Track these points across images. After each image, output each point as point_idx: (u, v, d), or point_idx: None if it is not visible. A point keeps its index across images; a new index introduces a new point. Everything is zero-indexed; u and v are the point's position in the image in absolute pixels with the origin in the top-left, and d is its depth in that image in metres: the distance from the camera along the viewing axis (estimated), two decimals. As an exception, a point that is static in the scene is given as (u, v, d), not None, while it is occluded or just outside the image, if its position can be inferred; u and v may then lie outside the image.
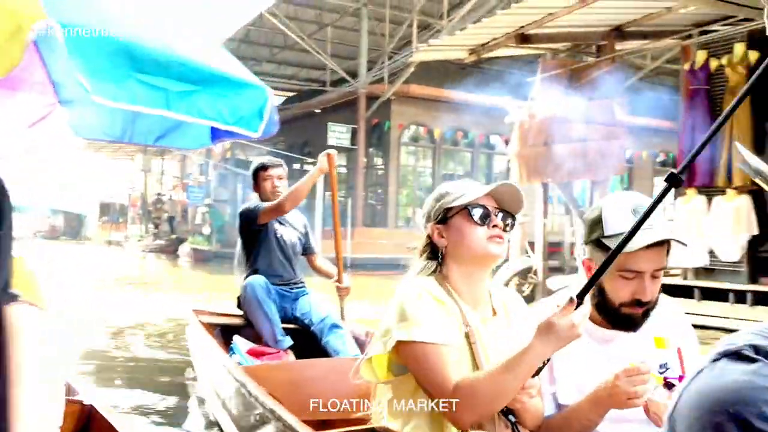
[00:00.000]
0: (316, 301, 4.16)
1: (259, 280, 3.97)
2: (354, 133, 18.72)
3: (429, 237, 1.78)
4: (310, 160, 22.22)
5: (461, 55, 8.97)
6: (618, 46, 8.44)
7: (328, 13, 20.30)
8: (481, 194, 1.70)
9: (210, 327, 4.10)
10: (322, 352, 3.82)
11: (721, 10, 7.23)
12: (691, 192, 8.41)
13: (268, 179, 4.11)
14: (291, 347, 3.93)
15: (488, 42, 8.34)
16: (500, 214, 1.73)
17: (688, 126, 8.42)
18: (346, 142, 18.70)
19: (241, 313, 4.20)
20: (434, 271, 1.73)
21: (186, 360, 5.10)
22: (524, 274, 9.03)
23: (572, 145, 8.90)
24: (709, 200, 8.24)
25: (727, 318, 7.40)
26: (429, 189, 21.01)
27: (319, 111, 20.86)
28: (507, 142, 21.85)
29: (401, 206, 20.90)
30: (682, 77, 8.83)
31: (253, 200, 4.34)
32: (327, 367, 3.24)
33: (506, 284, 9.06)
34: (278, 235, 4.16)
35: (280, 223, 4.20)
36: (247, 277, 4.12)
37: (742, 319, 7.22)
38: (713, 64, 8.24)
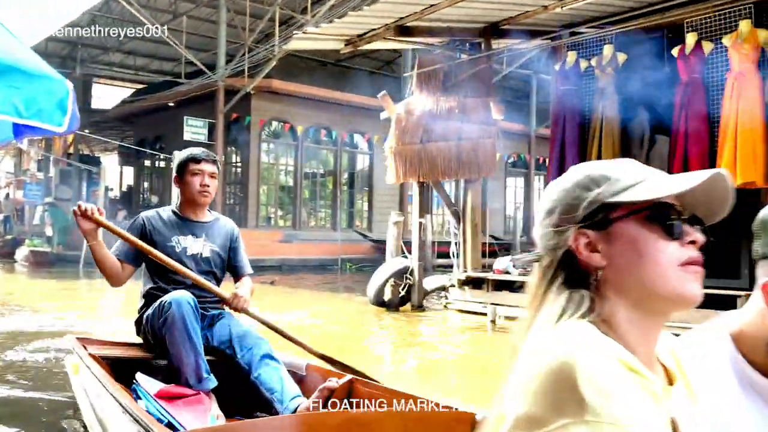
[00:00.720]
0: (239, 325, 3.21)
1: (185, 296, 3.01)
2: (212, 128, 17.75)
3: (566, 250, 0.97)
4: (162, 155, 20.90)
5: (337, 46, 8.55)
6: (494, 44, 8.37)
7: (183, 2, 19.16)
8: (681, 188, 0.92)
9: (102, 361, 3.11)
10: (251, 391, 2.98)
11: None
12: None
13: (197, 175, 3.26)
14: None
15: (366, 33, 7.98)
16: (695, 225, 0.98)
17: (558, 125, 8.50)
18: (203, 138, 17.67)
19: (140, 341, 3.32)
20: (588, 311, 0.92)
21: (67, 402, 3.94)
22: (401, 275, 8.77)
23: (447, 143, 8.75)
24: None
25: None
26: (290, 188, 20.45)
27: (174, 104, 19.65)
28: (369, 142, 21.89)
29: (262, 205, 20.15)
30: (553, 78, 8.94)
31: (164, 207, 3.50)
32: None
33: (383, 286, 8.76)
34: (179, 250, 3.27)
35: (183, 234, 3.32)
36: (151, 291, 3.24)
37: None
38: (583, 64, 8.37)
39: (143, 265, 3.29)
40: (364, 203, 22.14)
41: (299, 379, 3.12)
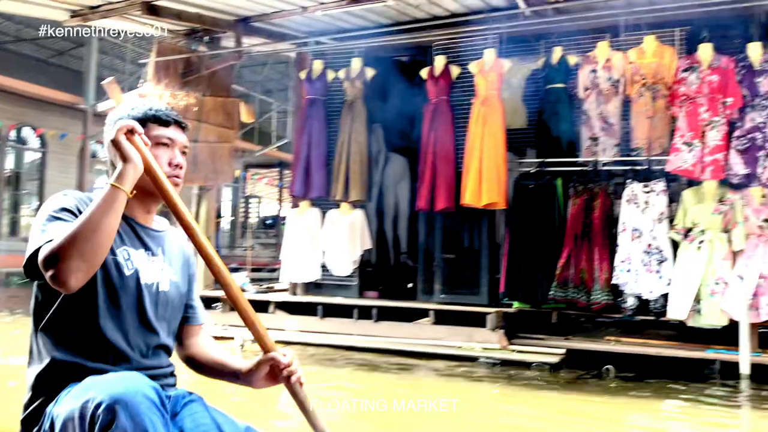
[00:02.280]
0: (221, 413, 1.84)
1: (142, 387, 1.51)
2: None
3: None
4: None
5: (60, 16, 6.99)
6: (245, 41, 7.67)
7: None
8: None
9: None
10: None
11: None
12: (304, 204, 8.13)
13: (165, 147, 1.84)
14: None
15: (102, 5, 6.64)
16: None
17: (304, 135, 8.12)
18: None
19: None
20: None
21: None
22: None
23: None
24: (324, 214, 8.07)
25: (351, 335, 7.26)
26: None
27: None
28: (41, 136, 19.02)
29: None
30: (296, 85, 8.54)
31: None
32: None
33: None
34: (128, 273, 1.77)
35: (133, 245, 1.82)
36: (55, 367, 1.69)
37: (367, 335, 7.16)
38: (330, 75, 8.13)
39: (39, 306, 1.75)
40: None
41: None
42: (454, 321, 7.00)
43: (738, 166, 6.20)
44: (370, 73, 7.96)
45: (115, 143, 1.65)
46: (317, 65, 8.15)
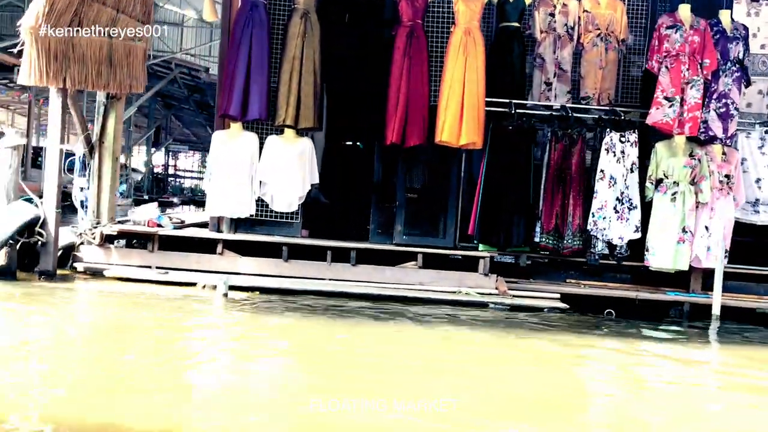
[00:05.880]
0: None
1: None
2: None
3: None
4: None
5: None
6: None
7: None
8: None
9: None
10: None
11: None
12: (236, 127, 6.91)
13: None
14: None
15: None
16: None
17: (241, 46, 6.82)
18: None
19: None
20: None
21: None
22: (30, 228, 5.67)
23: (100, 38, 6.15)
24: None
25: (323, 279, 6.47)
26: None
27: None
28: None
29: None
30: None
31: None
32: None
33: (1, 247, 5.58)
34: None
35: None
36: None
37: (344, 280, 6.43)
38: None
39: None
40: None
41: None
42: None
43: (716, 128, 6.67)
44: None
45: None
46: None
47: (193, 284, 6.08)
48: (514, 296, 6.32)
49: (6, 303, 5.13)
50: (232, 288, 5.82)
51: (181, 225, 7.26)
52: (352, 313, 5.64)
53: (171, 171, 30.28)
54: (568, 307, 6.21)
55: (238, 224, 7.02)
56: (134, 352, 4.11)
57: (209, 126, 17.51)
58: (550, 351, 4.87)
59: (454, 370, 4.13)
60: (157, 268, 6.32)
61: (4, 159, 5.74)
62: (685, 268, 6.73)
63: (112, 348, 4.23)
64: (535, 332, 5.41)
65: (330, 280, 6.47)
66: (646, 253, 6.77)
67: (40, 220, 5.76)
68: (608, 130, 6.83)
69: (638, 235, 6.77)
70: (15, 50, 5.79)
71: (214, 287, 5.91)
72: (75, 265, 6.28)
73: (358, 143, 9.11)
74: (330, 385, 3.59)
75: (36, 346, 4.11)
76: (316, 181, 7.01)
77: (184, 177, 31.23)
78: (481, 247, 6.95)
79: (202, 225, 7.62)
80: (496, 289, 6.42)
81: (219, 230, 7.02)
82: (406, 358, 4.34)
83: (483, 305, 6.15)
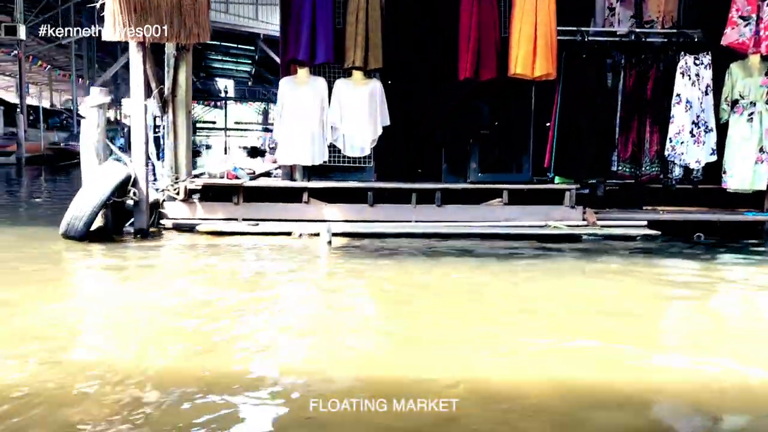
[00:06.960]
0: None
1: None
2: None
3: None
4: None
5: None
6: None
7: None
8: None
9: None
10: None
11: None
12: (303, 73, 6.77)
13: None
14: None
15: None
16: None
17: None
18: None
19: None
20: None
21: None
22: (122, 188, 5.58)
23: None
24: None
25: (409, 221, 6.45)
26: None
27: None
28: None
29: None
30: None
31: None
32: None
33: (99, 209, 5.49)
34: None
35: None
36: None
37: (430, 221, 6.40)
38: None
39: None
40: None
41: None
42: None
43: (794, 43, 6.61)
44: None
45: None
46: None
47: (286, 234, 6.04)
48: (602, 227, 6.34)
49: (141, 261, 4.98)
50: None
51: (255, 175, 7.17)
52: (465, 253, 5.56)
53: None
54: (659, 233, 6.24)
55: (311, 172, 6.94)
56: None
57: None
58: (691, 278, 4.88)
59: (627, 311, 3.89)
60: (243, 219, 6.27)
61: (91, 118, 5.59)
62: (764, 188, 6.77)
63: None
64: (658, 258, 5.47)
65: (416, 222, 6.45)
66: (723, 175, 6.79)
67: (132, 179, 5.67)
68: (682, 53, 6.76)
69: (714, 158, 6.77)
70: (97, 5, 5.57)
71: (310, 235, 5.88)
72: (162, 222, 6.21)
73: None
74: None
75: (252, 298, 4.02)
76: (387, 122, 6.89)
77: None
78: (557, 179, 6.94)
79: (266, 174, 7.55)
80: (584, 220, 6.43)
81: (292, 178, 6.94)
82: (569, 298, 4.16)
83: (574, 238, 6.16)
